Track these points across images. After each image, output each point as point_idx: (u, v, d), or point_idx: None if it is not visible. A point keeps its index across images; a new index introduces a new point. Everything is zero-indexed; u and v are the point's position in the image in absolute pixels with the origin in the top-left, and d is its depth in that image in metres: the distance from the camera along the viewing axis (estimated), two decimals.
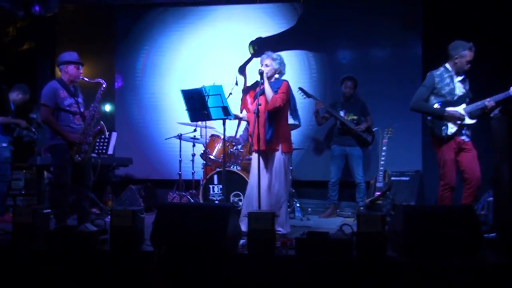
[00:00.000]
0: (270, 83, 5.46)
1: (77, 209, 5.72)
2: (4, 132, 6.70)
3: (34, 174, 7.62)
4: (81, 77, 5.73)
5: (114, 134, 7.76)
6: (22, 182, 7.72)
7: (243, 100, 8.06)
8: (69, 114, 5.61)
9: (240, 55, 8.31)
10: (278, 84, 5.45)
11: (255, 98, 5.44)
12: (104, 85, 5.75)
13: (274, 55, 5.56)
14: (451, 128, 5.27)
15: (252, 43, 8.26)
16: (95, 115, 5.71)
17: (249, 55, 8.29)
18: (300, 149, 7.77)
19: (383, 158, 6.36)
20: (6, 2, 7.46)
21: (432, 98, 5.36)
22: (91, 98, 5.72)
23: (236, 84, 6.04)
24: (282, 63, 5.56)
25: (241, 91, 8.10)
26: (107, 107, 8.74)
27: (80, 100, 5.76)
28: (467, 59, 5.29)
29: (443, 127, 5.28)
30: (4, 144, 6.68)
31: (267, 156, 5.47)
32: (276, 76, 5.58)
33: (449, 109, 5.27)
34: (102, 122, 5.74)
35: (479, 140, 5.52)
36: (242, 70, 8.31)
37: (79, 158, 5.55)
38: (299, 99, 7.16)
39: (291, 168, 6.21)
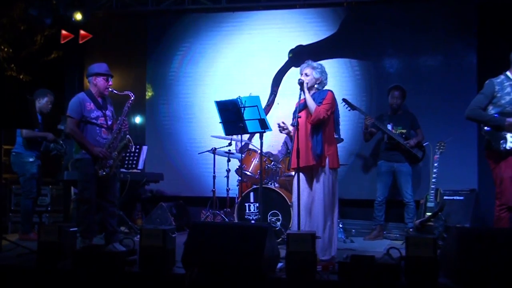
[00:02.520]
0: (313, 95, 5.43)
1: (103, 227, 5.81)
2: (31, 147, 6.84)
3: (61, 189, 7.76)
4: (110, 89, 5.85)
5: (145, 148, 7.87)
6: (48, 198, 7.84)
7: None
8: (96, 126, 5.72)
9: (279, 64, 8.33)
10: (323, 95, 5.39)
11: (295, 112, 5.38)
12: (132, 98, 5.84)
13: (315, 64, 5.53)
14: (511, 142, 5.13)
15: (292, 51, 8.27)
16: (122, 129, 5.81)
17: (288, 64, 8.30)
18: (344, 165, 7.69)
19: (434, 175, 6.28)
20: (34, 9, 7.66)
21: (490, 108, 5.22)
22: (121, 111, 5.83)
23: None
24: (323, 72, 5.52)
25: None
26: (137, 119, 8.87)
27: (108, 113, 5.87)
28: None
29: (502, 141, 5.12)
30: (31, 159, 6.82)
31: (311, 173, 5.43)
32: (316, 86, 5.54)
33: (510, 119, 5.12)
34: (128, 137, 5.84)
35: None
36: (278, 79, 8.32)
37: (103, 173, 5.63)
38: (343, 112, 7.15)
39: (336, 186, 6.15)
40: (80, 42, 5.57)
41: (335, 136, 5.65)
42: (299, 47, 8.25)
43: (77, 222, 5.63)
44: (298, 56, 8.09)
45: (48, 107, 7.06)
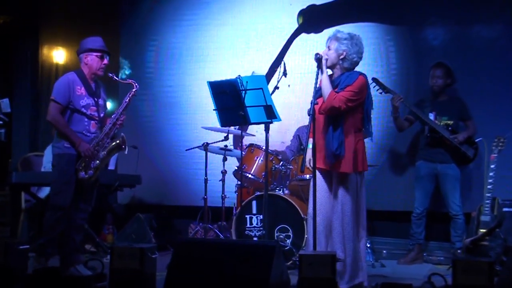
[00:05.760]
0: (340, 77, 5.38)
1: (62, 243, 5.81)
2: None
3: (7, 196, 7.74)
4: (111, 74, 5.94)
5: None
6: None
7: None
8: (84, 117, 5.81)
9: (289, 33, 8.29)
10: (351, 78, 5.33)
11: (316, 96, 5.35)
12: (136, 88, 5.97)
13: (341, 33, 5.46)
14: None
15: (303, 13, 8.25)
16: (117, 124, 5.86)
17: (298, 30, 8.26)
18: (372, 167, 7.67)
19: (490, 181, 6.26)
20: None
21: None
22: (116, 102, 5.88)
23: (285, 74, 6.02)
24: (353, 45, 5.39)
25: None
26: (108, 105, 8.85)
27: (101, 102, 5.98)
28: None
29: None
30: None
31: (330, 177, 5.41)
32: (342, 65, 5.46)
33: None
34: (123, 134, 5.91)
35: None
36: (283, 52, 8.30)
37: (85, 176, 5.71)
38: (372, 95, 7.12)
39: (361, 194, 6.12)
40: None
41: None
42: (312, 7, 8.22)
43: (43, 233, 5.61)
44: (310, 19, 8.12)
45: None
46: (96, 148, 5.74)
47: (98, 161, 5.76)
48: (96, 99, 5.89)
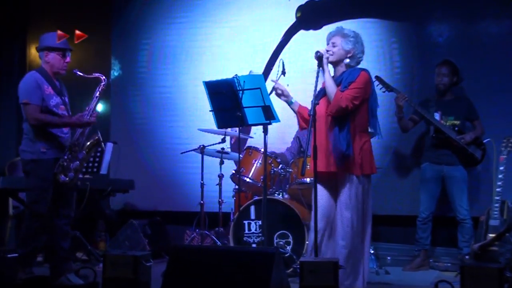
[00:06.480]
0: (342, 74, 5.41)
1: (51, 252, 5.79)
2: None
3: None
4: (74, 71, 5.88)
5: (110, 146, 7.85)
6: None
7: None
8: (56, 117, 5.75)
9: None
10: (354, 75, 5.37)
11: (317, 98, 5.35)
12: (104, 82, 5.92)
13: (346, 30, 5.50)
14: None
15: (301, 9, 8.25)
16: (91, 121, 5.83)
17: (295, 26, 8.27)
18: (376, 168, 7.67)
19: (499, 183, 6.25)
20: None
21: None
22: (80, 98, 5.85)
23: (283, 72, 6.01)
24: (357, 43, 5.48)
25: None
26: (99, 107, 8.84)
27: (67, 100, 5.94)
28: None
29: None
30: None
31: (334, 180, 5.41)
32: (347, 62, 5.49)
33: None
34: (98, 132, 5.89)
35: None
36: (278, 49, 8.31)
37: (66, 179, 5.66)
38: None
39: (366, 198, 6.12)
40: (76, 42, 5.79)
41: (370, 130, 5.62)
42: (311, 3, 8.23)
43: (20, 243, 5.61)
44: (309, 15, 8.12)
45: None
46: (74, 148, 5.71)
47: (78, 162, 5.72)
48: (62, 97, 5.86)
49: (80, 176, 7.10)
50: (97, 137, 5.85)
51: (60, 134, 5.76)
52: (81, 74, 5.89)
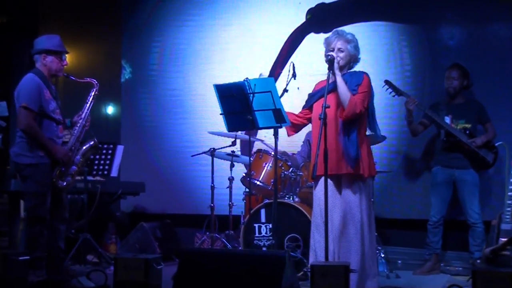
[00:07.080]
0: (345, 77, 5.41)
1: (51, 253, 5.81)
2: None
3: (6, 204, 7.74)
4: (65, 74, 5.94)
5: (120, 149, 7.83)
6: None
7: None
8: (53, 123, 5.78)
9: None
10: (358, 79, 5.39)
11: (313, 96, 5.37)
12: (96, 87, 5.94)
13: (349, 35, 5.52)
14: None
15: (311, 12, 8.25)
16: (86, 126, 5.89)
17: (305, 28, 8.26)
18: (384, 173, 7.67)
19: (511, 187, 6.22)
20: None
21: None
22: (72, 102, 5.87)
23: (294, 75, 6.01)
24: (357, 47, 5.54)
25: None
26: (110, 109, 8.87)
27: (60, 104, 5.95)
28: None
29: None
30: None
31: (340, 183, 5.41)
32: (351, 65, 5.52)
33: None
34: (95, 137, 5.95)
35: None
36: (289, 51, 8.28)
37: (64, 184, 5.69)
38: (383, 98, 7.12)
39: (371, 200, 6.13)
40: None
41: (371, 133, 5.64)
42: (321, 6, 8.22)
43: (28, 248, 5.64)
44: (319, 18, 8.11)
45: None
46: (70, 153, 5.74)
47: (75, 167, 5.76)
48: (58, 102, 5.87)
49: (90, 178, 7.17)
50: (93, 142, 5.88)
51: (56, 139, 5.77)
52: (73, 78, 5.94)
